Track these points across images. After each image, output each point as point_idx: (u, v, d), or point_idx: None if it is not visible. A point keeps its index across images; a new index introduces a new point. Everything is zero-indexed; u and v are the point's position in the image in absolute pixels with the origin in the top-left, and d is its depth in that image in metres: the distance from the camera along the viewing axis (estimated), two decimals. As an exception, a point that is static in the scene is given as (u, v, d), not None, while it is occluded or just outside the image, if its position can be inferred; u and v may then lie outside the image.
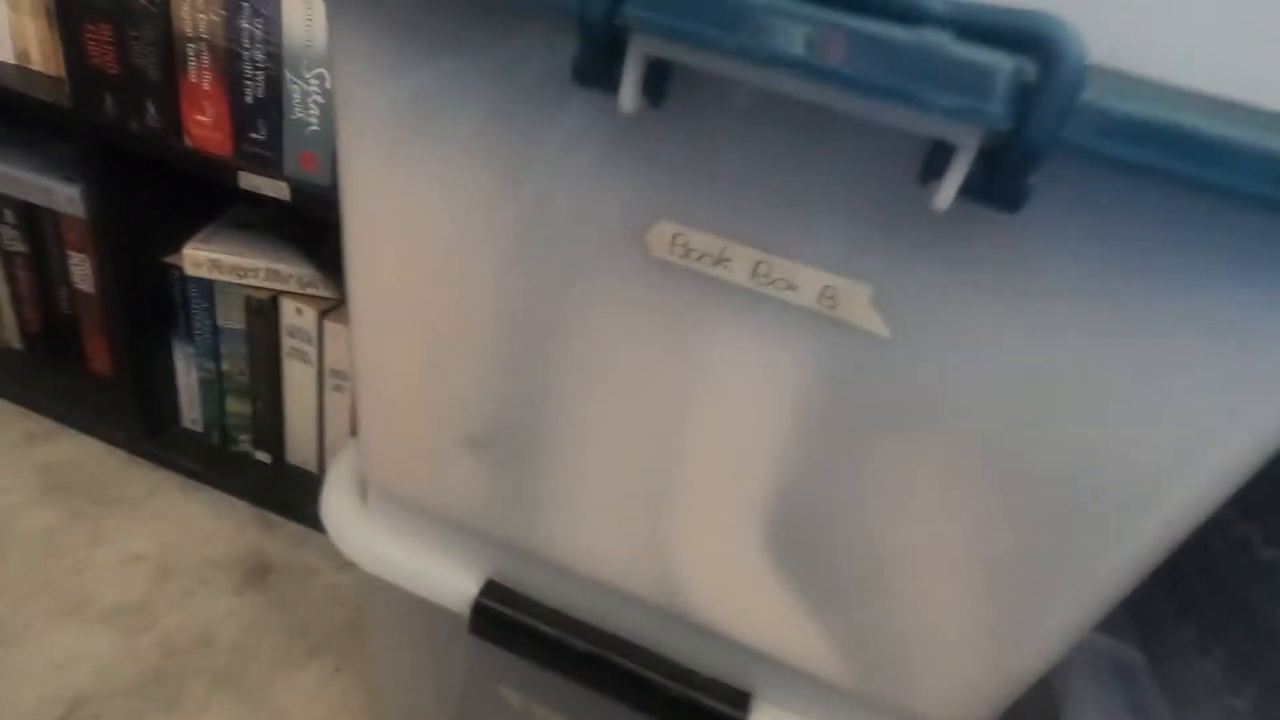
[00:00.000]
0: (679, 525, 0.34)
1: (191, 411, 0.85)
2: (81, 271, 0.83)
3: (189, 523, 0.77)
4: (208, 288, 0.75)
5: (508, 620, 0.38)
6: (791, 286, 0.26)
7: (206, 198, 0.77)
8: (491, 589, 0.38)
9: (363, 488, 0.42)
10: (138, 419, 0.82)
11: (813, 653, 0.34)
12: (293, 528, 0.79)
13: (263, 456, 0.84)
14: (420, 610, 0.42)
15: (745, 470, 0.31)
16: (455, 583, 0.39)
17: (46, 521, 0.74)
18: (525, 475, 0.35)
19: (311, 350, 0.75)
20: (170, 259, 0.75)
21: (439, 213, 0.31)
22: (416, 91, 0.29)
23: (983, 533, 0.29)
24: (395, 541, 0.40)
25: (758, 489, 0.31)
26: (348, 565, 0.76)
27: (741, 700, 0.36)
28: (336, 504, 0.41)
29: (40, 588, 0.67)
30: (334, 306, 0.74)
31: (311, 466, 0.83)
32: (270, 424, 0.81)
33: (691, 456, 0.32)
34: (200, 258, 0.72)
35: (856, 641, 0.33)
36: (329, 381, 0.77)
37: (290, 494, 0.81)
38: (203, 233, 0.75)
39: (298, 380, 0.78)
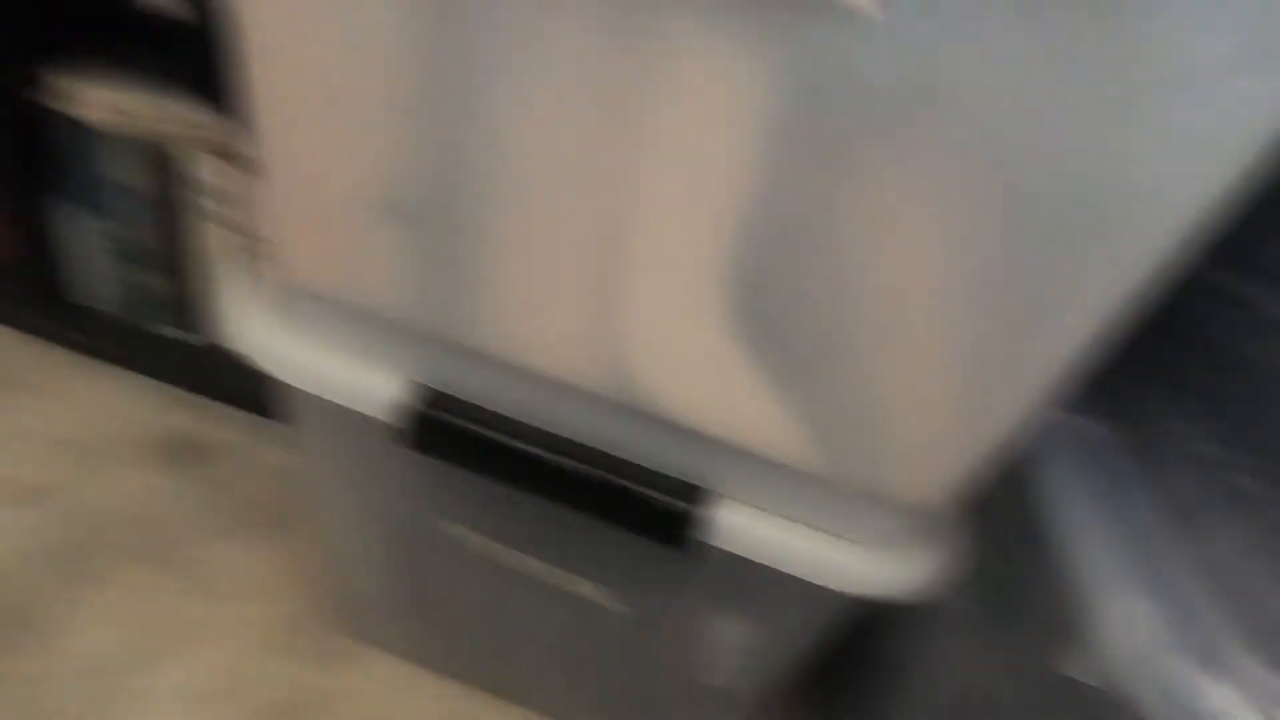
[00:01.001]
0: (631, 298, 0.30)
1: (96, 290, 0.77)
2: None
3: (100, 403, 0.70)
4: (95, 134, 0.66)
5: (440, 424, 0.34)
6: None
7: (80, 27, 0.67)
8: (421, 393, 0.34)
9: (273, 295, 0.37)
10: (32, 297, 0.74)
11: (775, 434, 0.31)
12: (218, 407, 0.73)
13: (181, 335, 0.77)
14: (346, 427, 0.38)
15: (705, 219, 0.27)
16: (381, 389, 0.35)
17: (-73, 401, 0.66)
18: (453, 248, 0.31)
19: (216, 202, 0.68)
20: (42, 99, 0.66)
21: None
22: None
23: (958, 272, 0.26)
24: (313, 347, 0.35)
25: (719, 241, 0.28)
26: (282, 441, 0.71)
27: (699, 496, 0.34)
28: (241, 308, 0.36)
29: (-78, 465, 0.61)
30: (242, 156, 0.67)
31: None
32: (185, 298, 0.74)
33: (644, 209, 0.28)
34: (79, 90, 0.63)
35: (821, 417, 0.30)
36: (243, 243, 0.70)
37: (214, 374, 0.75)
38: (78, 66, 0.66)
39: (205, 240, 0.70)
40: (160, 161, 0.66)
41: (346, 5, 0.27)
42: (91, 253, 0.74)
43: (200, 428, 0.71)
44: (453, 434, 0.34)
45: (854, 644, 0.53)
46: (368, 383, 0.35)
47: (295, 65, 0.29)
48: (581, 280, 0.30)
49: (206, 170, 0.65)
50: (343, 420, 0.37)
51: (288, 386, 0.37)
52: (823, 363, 0.29)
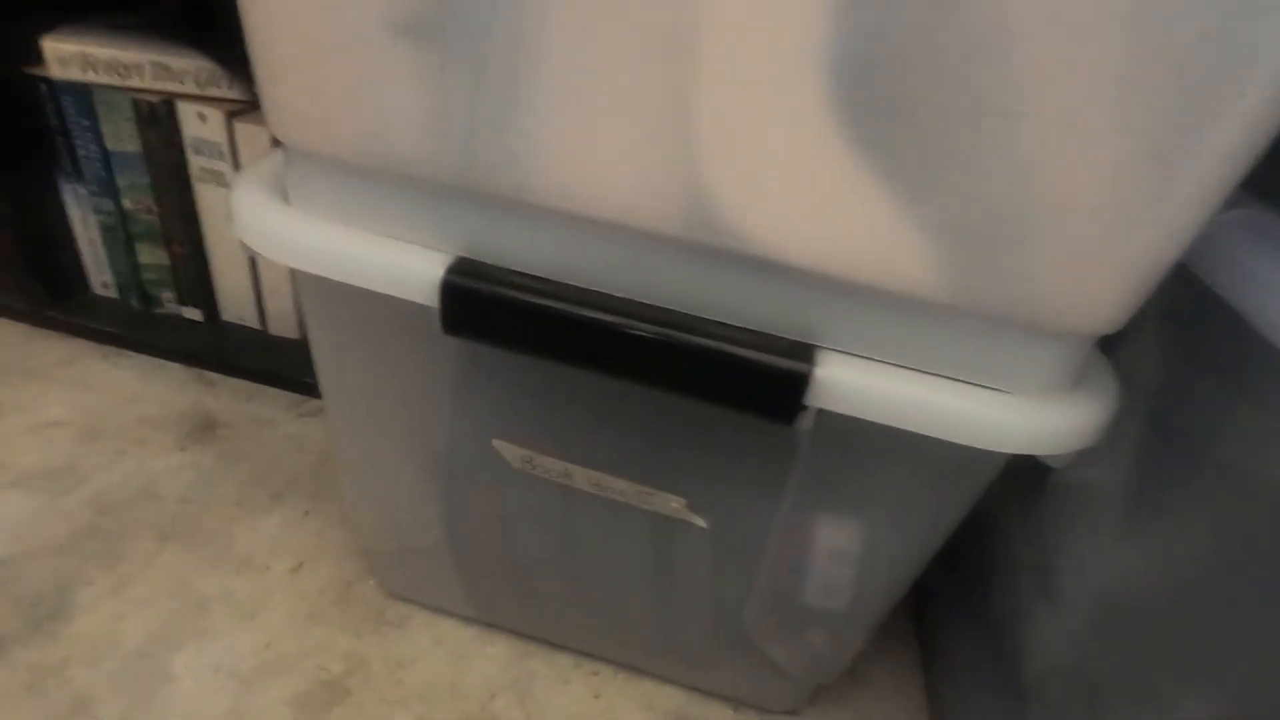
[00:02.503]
0: (710, 101, 0.25)
1: (100, 273, 0.73)
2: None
3: (114, 387, 0.66)
4: (86, 101, 0.62)
5: (489, 297, 0.29)
6: None
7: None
8: (463, 265, 0.29)
9: (284, 185, 0.32)
10: (37, 284, 0.70)
11: (895, 257, 0.26)
12: (237, 384, 0.69)
13: (192, 314, 0.73)
14: (381, 322, 0.33)
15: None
16: (414, 268, 0.30)
17: (-62, 397, 0.63)
18: (485, 68, 0.26)
19: (225, 167, 0.64)
20: (33, 69, 0.62)
21: None
22: None
23: (1127, 51, 0.21)
24: (331, 229, 0.30)
25: (814, 18, 0.22)
26: (307, 414, 0.67)
27: (807, 352, 0.28)
28: (252, 200, 0.31)
29: (-64, 459, 0.57)
30: (243, 109, 0.62)
31: (251, 320, 0.73)
32: (194, 274, 0.70)
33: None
34: (66, 52, 0.59)
35: (953, 227, 0.25)
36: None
37: (230, 351, 0.71)
38: (67, 28, 0.62)
39: (215, 210, 0.66)
40: (153, 116, 0.61)
41: None
42: (96, 234, 0.70)
43: (220, 404, 0.66)
44: (494, 306, 0.29)
45: (965, 553, 0.47)
46: (398, 261, 0.30)
47: None
48: (650, 87, 0.25)
49: (205, 125, 0.61)
50: (376, 313, 0.32)
51: (313, 283, 0.32)
52: (954, 155, 0.24)
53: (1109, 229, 0.24)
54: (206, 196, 0.65)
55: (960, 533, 0.37)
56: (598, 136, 0.26)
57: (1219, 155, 0.23)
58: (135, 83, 0.61)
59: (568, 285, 0.29)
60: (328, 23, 0.26)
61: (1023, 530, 0.41)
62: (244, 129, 0.62)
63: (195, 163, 0.64)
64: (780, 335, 0.28)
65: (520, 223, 0.29)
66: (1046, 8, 0.21)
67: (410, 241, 0.30)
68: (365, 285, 0.30)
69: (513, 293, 0.29)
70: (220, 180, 0.64)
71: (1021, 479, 0.41)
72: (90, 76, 0.60)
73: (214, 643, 0.47)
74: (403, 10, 0.25)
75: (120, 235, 0.69)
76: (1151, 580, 0.33)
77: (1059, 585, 0.37)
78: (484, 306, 0.29)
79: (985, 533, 0.45)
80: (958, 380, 0.28)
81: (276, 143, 0.31)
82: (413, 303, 0.30)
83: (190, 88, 0.61)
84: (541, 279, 0.29)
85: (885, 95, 0.23)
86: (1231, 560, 0.29)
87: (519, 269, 0.30)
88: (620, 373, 0.29)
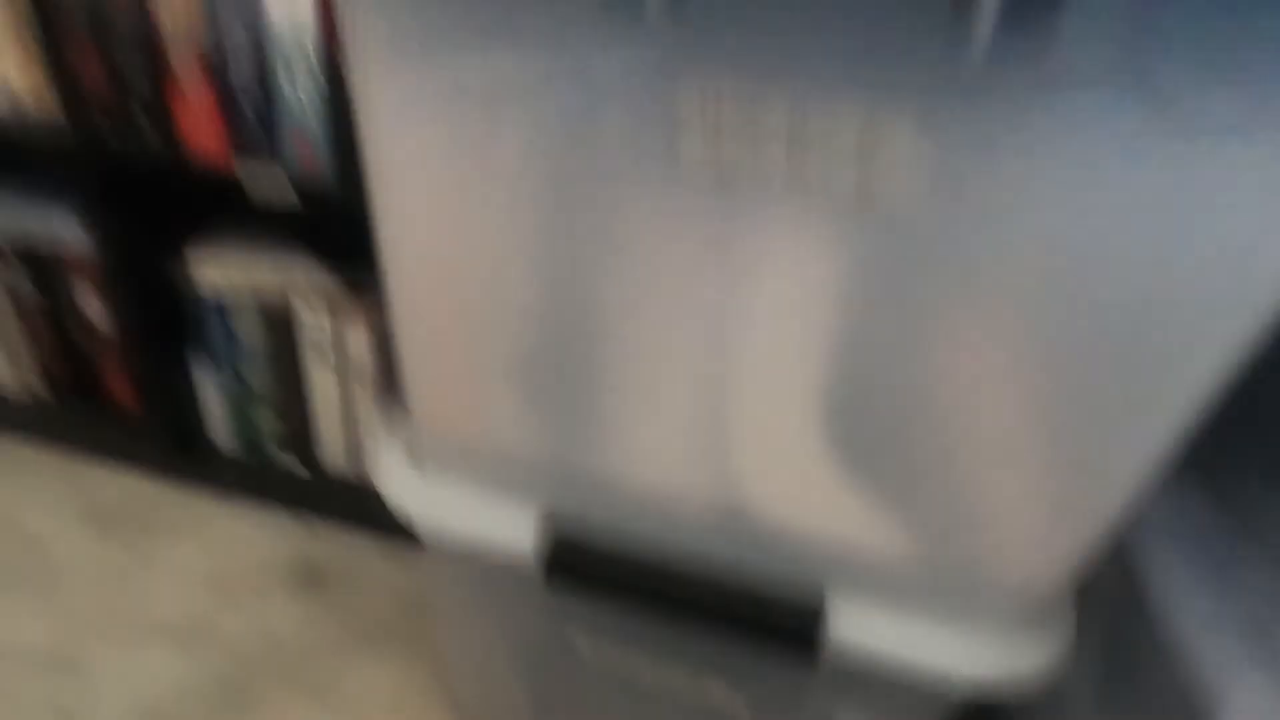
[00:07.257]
0: (737, 429, 0.34)
1: (221, 432, 0.85)
2: (94, 309, 0.83)
3: (233, 538, 0.77)
4: (222, 297, 0.75)
5: (580, 567, 0.38)
6: (826, 151, 0.26)
7: (205, 210, 0.77)
8: (559, 539, 0.39)
9: (414, 451, 0.43)
10: (168, 446, 0.82)
11: (880, 538, 0.34)
12: (337, 533, 0.80)
13: (297, 467, 0.84)
14: (488, 570, 0.42)
15: (798, 360, 0.31)
16: (519, 532, 0.39)
17: (98, 553, 0.74)
18: (574, 399, 0.35)
19: (330, 351, 0.76)
20: (179, 278, 0.75)
21: (461, 144, 0.31)
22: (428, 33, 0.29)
23: (1043, 386, 0.29)
24: (453, 495, 0.40)
25: (813, 377, 0.31)
26: (403, 563, 0.76)
27: (815, 610, 0.36)
28: (390, 466, 0.41)
29: (103, 614, 0.68)
30: (347, 301, 0.74)
31: (346, 472, 0.84)
32: (300, 434, 0.81)
33: (743, 355, 0.32)
34: (209, 274, 0.72)
35: (926, 518, 0.33)
36: (352, 381, 0.77)
37: (330, 501, 0.81)
38: (207, 247, 0.75)
39: (322, 384, 0.78)
40: (281, 317, 0.74)
41: (473, 209, 0.32)
42: (220, 402, 0.82)
43: (331, 554, 0.77)
44: (584, 572, 0.38)
45: None
46: (504, 530, 0.39)
47: (428, 261, 0.35)
48: (690, 416, 0.34)
49: (322, 324, 0.73)
50: (484, 564, 0.41)
51: (430, 534, 0.41)
52: (918, 468, 0.32)
53: (1049, 527, 0.32)
54: (314, 371, 0.77)
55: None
56: (651, 442, 0.36)
57: (1134, 471, 0.31)
58: (262, 289, 0.73)
59: (637, 557, 0.38)
60: (460, 359, 0.36)
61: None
62: (347, 320, 0.74)
63: (306, 347, 0.76)
64: (796, 588, 0.37)
65: (602, 496, 0.38)
66: (987, 393, 0.30)
67: (511, 510, 0.40)
68: (483, 552, 0.39)
69: (596, 567, 0.38)
70: (325, 361, 0.76)
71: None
72: (226, 289, 0.73)
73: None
74: (512, 363, 0.35)
75: (240, 404, 0.81)
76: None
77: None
78: (575, 572, 0.38)
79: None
80: (934, 620, 0.36)
81: (380, 350, 0.41)
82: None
83: (305, 288, 0.74)
84: (622, 557, 0.38)
85: (870, 436, 0.32)
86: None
87: (603, 528, 0.39)
88: (685, 620, 0.38)
